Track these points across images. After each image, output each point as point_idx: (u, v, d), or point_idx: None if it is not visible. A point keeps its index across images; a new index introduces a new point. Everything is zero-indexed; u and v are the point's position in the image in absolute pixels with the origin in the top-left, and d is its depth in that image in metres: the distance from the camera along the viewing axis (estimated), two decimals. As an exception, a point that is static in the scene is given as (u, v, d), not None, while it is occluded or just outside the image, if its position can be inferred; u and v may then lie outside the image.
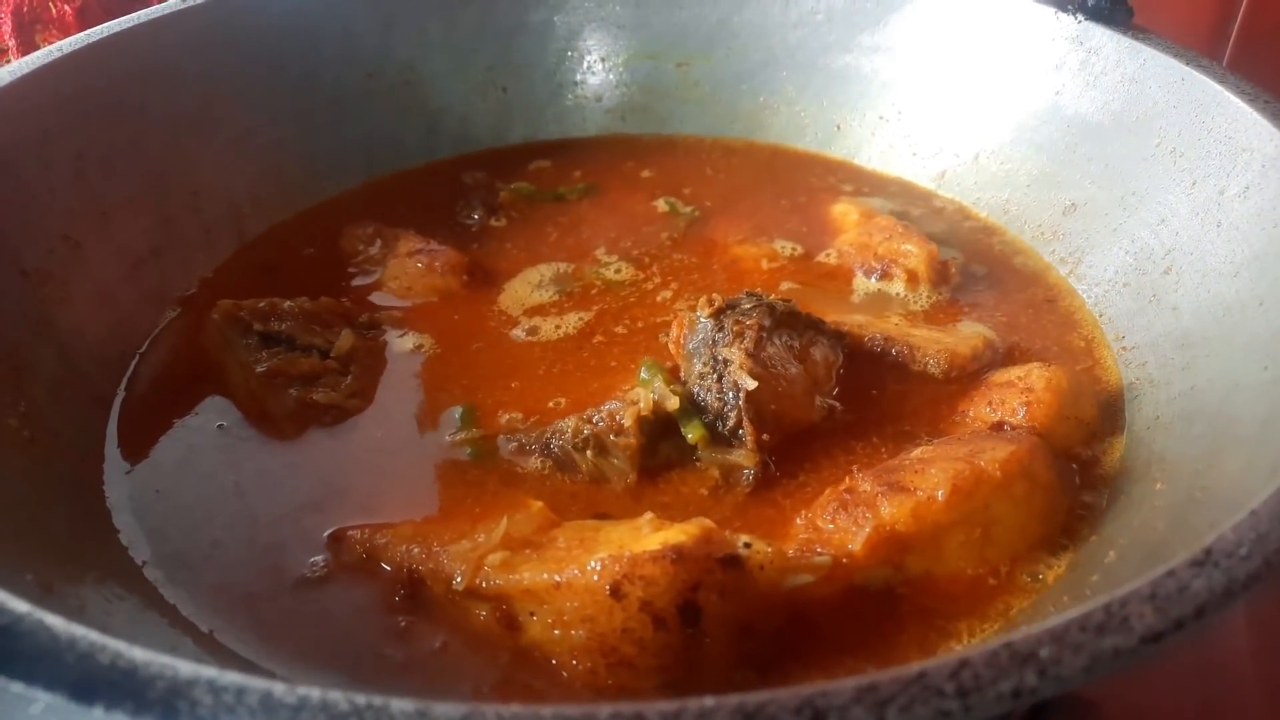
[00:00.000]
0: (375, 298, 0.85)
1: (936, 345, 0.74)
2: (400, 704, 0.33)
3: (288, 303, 0.78)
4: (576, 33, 1.11)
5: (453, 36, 1.07)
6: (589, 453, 0.66)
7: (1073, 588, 0.53)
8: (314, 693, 0.33)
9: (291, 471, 0.68)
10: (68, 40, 0.84)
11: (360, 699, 0.33)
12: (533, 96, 1.11)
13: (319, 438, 0.71)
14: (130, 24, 0.87)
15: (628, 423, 0.65)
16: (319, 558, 0.61)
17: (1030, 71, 0.91)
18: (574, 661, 0.52)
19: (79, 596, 0.49)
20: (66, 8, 1.45)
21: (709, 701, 0.31)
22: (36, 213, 0.75)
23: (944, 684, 0.31)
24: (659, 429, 0.67)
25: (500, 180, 1.03)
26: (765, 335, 0.69)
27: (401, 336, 0.80)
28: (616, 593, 0.50)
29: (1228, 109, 0.72)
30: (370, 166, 1.03)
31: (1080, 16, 0.88)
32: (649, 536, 0.54)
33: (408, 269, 0.87)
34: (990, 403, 0.67)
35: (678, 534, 0.53)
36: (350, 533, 0.62)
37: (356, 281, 0.88)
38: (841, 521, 0.57)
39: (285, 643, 0.56)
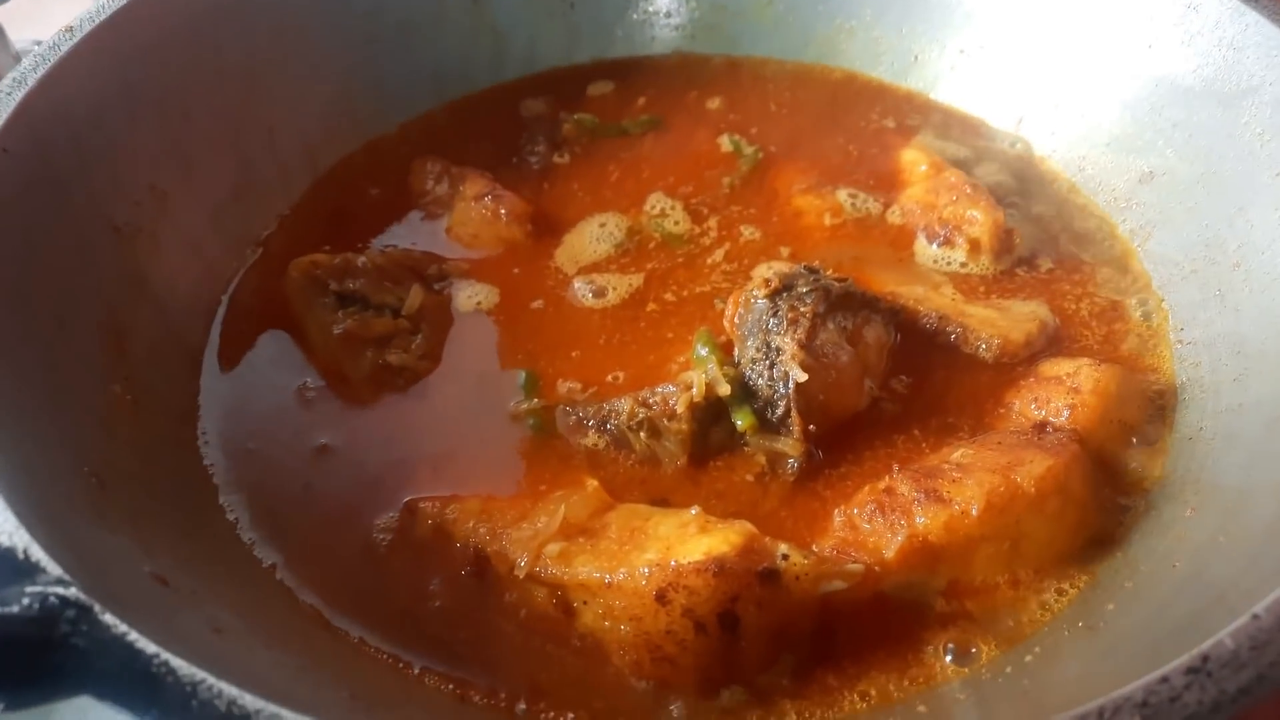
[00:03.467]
0: (442, 245, 0.88)
1: (990, 329, 0.74)
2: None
3: (360, 259, 0.81)
4: (647, -54, 1.06)
5: (520, -48, 1.04)
6: (643, 434, 0.70)
7: (1088, 614, 0.56)
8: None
9: (368, 435, 0.73)
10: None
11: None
12: (600, 13, 1.08)
13: (392, 401, 0.76)
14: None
15: (681, 409, 0.69)
16: (394, 526, 0.67)
17: (1123, 18, 0.86)
18: (621, 651, 0.58)
19: (191, 583, 0.56)
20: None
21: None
22: (124, 165, 0.78)
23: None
24: (711, 414, 0.70)
25: (565, 107, 1.02)
26: (819, 322, 0.71)
27: (467, 291, 0.83)
28: (662, 599, 0.55)
29: (1330, 96, 0.69)
30: (438, 92, 1.04)
31: (1184, -40, 0.82)
32: (694, 539, 0.58)
33: (473, 215, 0.89)
34: (1036, 399, 0.69)
35: (721, 543, 0.57)
36: (423, 504, 0.67)
37: (424, 224, 0.90)
38: (878, 525, 0.61)
39: (366, 606, 0.63)
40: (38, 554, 0.47)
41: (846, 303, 0.73)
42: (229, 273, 0.85)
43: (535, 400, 0.74)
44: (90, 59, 0.76)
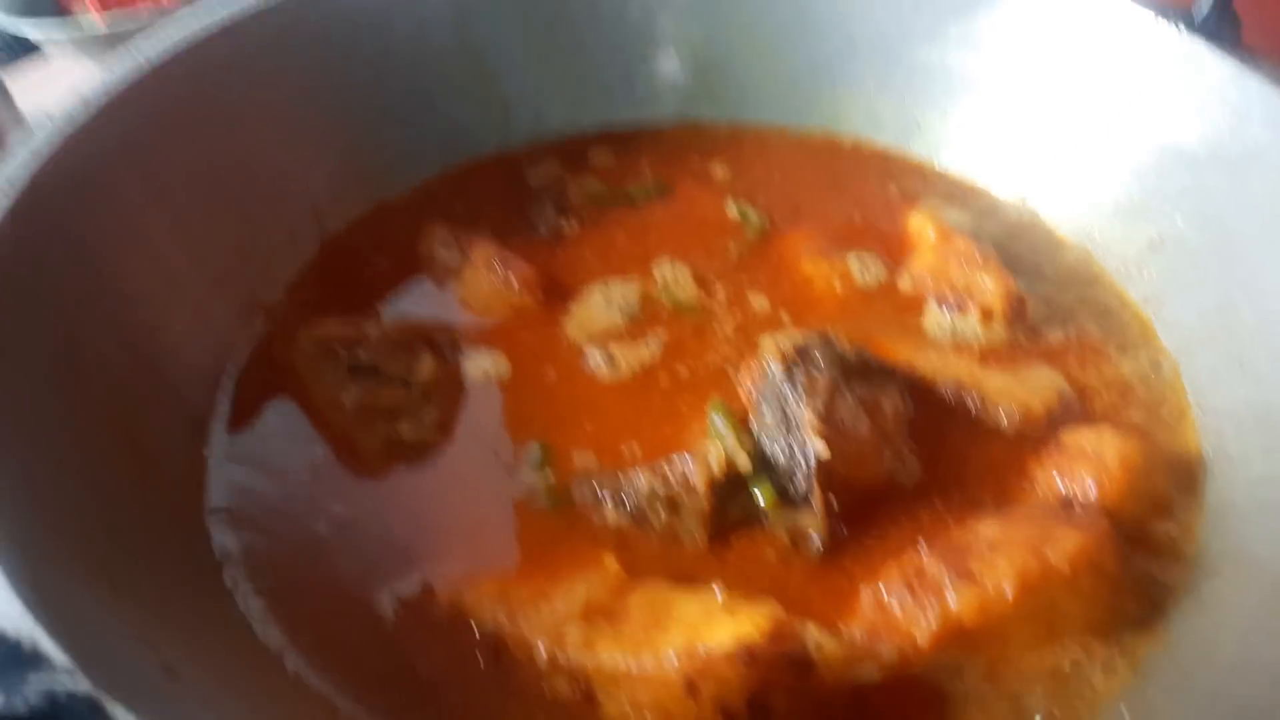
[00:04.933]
0: (452, 313, 0.87)
1: (1009, 398, 0.74)
2: None
3: (372, 330, 0.80)
4: (650, 16, 1.08)
5: (525, 23, 1.05)
6: (662, 510, 0.68)
7: (1132, 703, 0.55)
8: None
9: (380, 510, 0.71)
10: (149, 48, 0.84)
11: None
12: (605, 81, 1.09)
13: (404, 474, 0.74)
14: (210, 29, 0.87)
15: (699, 484, 0.67)
16: (408, 608, 0.65)
17: (1126, 84, 0.87)
18: (649, 742, 0.56)
19: (200, 673, 0.54)
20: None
21: None
22: (132, 233, 0.77)
23: None
24: (730, 488, 0.68)
25: (571, 173, 1.02)
26: (837, 391, 0.70)
27: (478, 361, 0.82)
28: (691, 689, 0.54)
29: (1339, 165, 0.69)
30: (444, 157, 1.04)
31: (1185, 30, 0.83)
32: (721, 623, 0.56)
33: (483, 282, 0.88)
34: (1060, 471, 0.68)
35: (750, 628, 0.55)
36: (438, 586, 0.65)
37: (434, 292, 0.89)
38: (908, 606, 0.60)
39: (380, 695, 0.61)
40: (45, 645, 0.45)
41: (862, 372, 0.73)
42: (235, 341, 0.84)
43: (549, 473, 0.73)
44: (104, 129, 0.76)
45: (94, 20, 1.31)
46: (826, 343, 0.73)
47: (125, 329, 0.74)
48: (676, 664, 0.54)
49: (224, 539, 0.70)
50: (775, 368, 0.72)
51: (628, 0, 1.08)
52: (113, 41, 1.31)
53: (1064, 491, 0.66)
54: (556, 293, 0.88)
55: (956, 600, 0.58)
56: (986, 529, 0.63)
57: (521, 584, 0.65)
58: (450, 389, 0.80)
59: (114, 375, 0.71)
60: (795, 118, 1.08)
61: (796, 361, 0.72)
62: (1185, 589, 0.61)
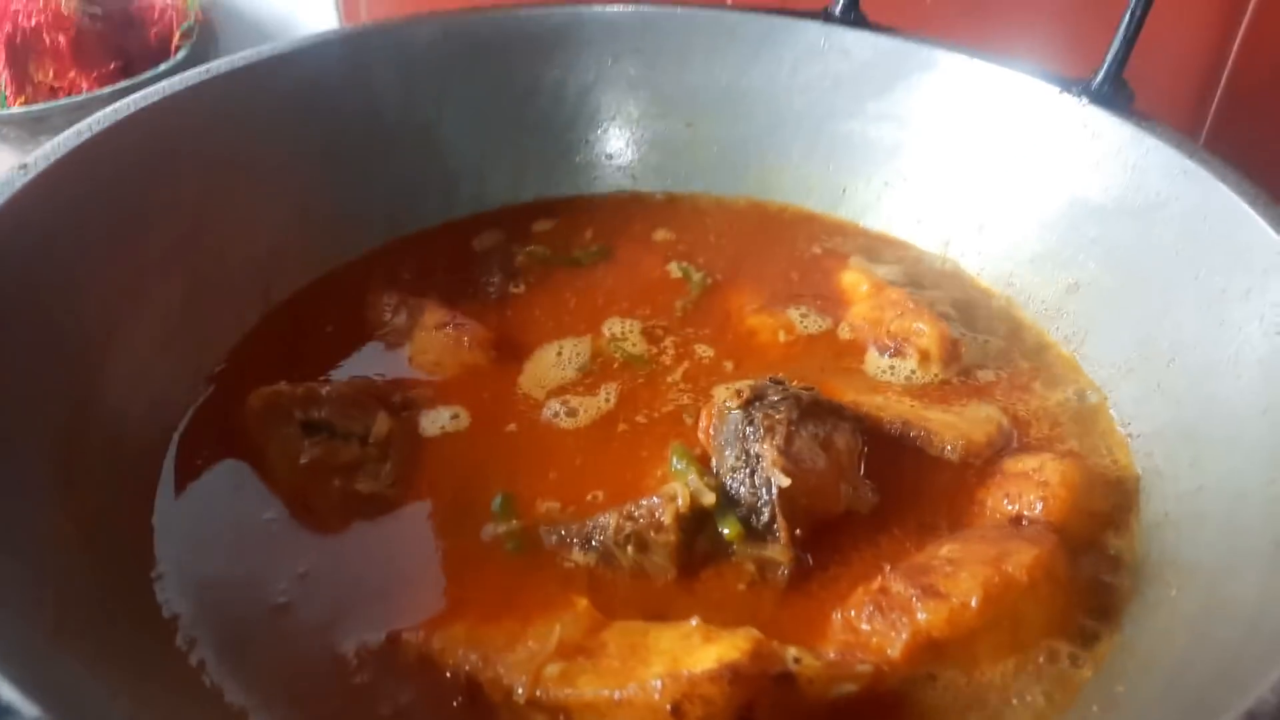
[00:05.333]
0: (404, 373, 0.87)
1: (953, 431, 0.77)
2: None
3: (325, 388, 0.80)
4: (589, 90, 1.13)
5: (469, 94, 1.08)
6: (630, 549, 0.69)
7: (1100, 698, 0.57)
8: None
9: (340, 567, 0.70)
10: (98, 117, 0.84)
11: None
12: (546, 153, 1.13)
13: (364, 529, 0.73)
14: (157, 97, 0.87)
15: (667, 520, 0.68)
16: (375, 660, 0.63)
17: (1035, 148, 0.94)
18: (636, 773, 0.55)
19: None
20: (61, 38, 1.44)
21: None
22: (75, 298, 0.76)
23: None
24: (696, 523, 0.70)
25: (515, 240, 1.05)
26: (794, 429, 0.72)
27: (435, 418, 0.82)
28: (677, 712, 0.54)
29: (1228, 207, 0.76)
30: (390, 227, 1.05)
31: (1084, 99, 0.91)
32: (701, 649, 0.57)
33: (435, 343, 0.89)
34: (1008, 495, 0.71)
35: (730, 650, 0.56)
36: (405, 635, 0.64)
37: (384, 355, 0.90)
38: (878, 625, 0.61)
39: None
40: (9, 694, 0.43)
41: (815, 411, 0.75)
42: (182, 404, 0.82)
43: (514, 521, 0.72)
44: (45, 194, 0.75)
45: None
46: (780, 385, 0.76)
47: (69, 392, 0.73)
48: (661, 689, 0.54)
49: (174, 601, 0.67)
50: (734, 410, 0.74)
51: (566, 81, 1.13)
52: (32, 129, 1.30)
53: (1013, 511, 0.69)
54: (509, 351, 0.90)
55: (925, 615, 0.60)
56: (945, 549, 0.66)
57: (492, 627, 0.64)
58: (408, 445, 0.80)
59: (59, 438, 0.69)
60: (729, 188, 1.13)
61: (754, 402, 0.74)
62: (1134, 593, 0.64)
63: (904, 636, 0.59)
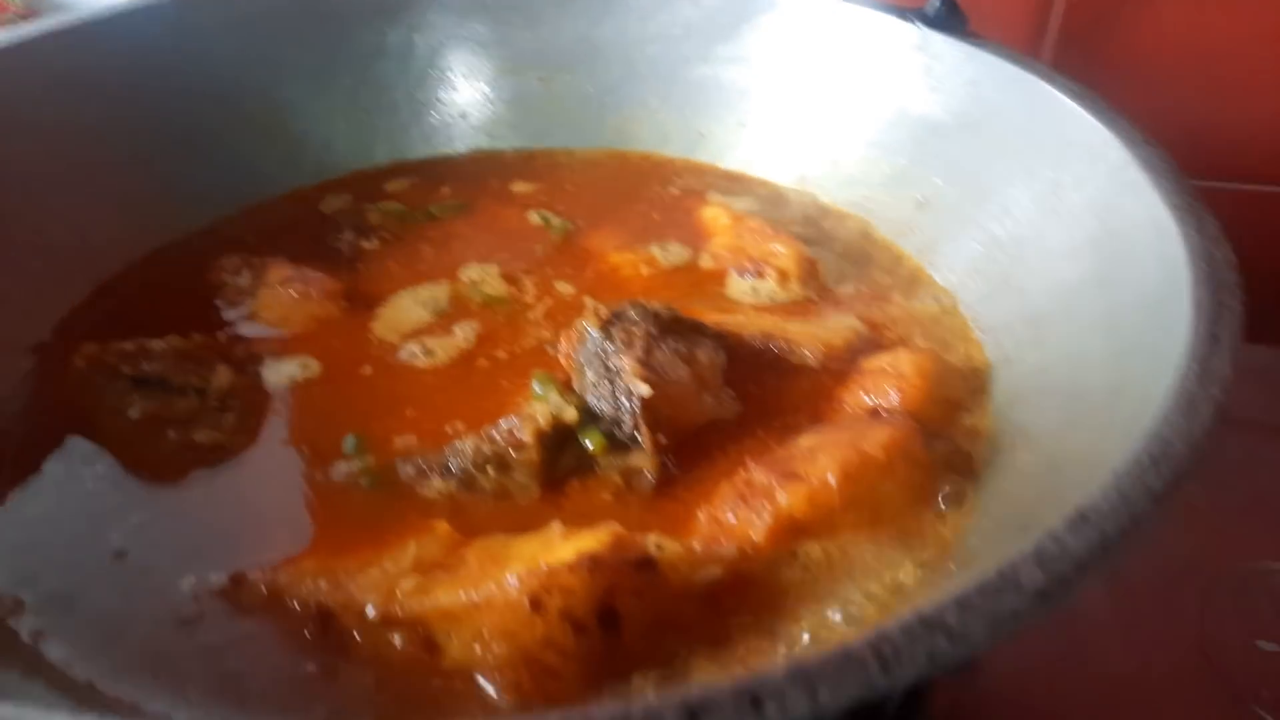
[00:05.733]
0: (249, 330, 0.83)
1: (811, 338, 0.78)
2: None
3: (157, 343, 0.75)
4: (437, 51, 1.10)
5: (310, 60, 1.05)
6: (490, 470, 0.66)
7: (958, 554, 0.57)
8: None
9: (178, 517, 0.65)
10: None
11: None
12: (396, 117, 1.10)
13: (204, 479, 0.68)
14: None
15: (527, 438, 0.66)
16: (217, 600, 0.59)
17: (878, 77, 0.97)
18: (498, 676, 0.53)
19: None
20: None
21: (653, 699, 0.33)
22: None
23: (867, 658, 0.34)
24: (558, 441, 0.68)
25: (366, 201, 1.01)
26: (653, 342, 0.71)
27: (281, 369, 0.78)
28: (536, 605, 0.51)
29: (1056, 106, 0.79)
30: (231, 197, 1.00)
31: (920, 25, 0.94)
32: (561, 546, 0.55)
33: (281, 298, 0.85)
34: (865, 389, 0.71)
35: (590, 541, 0.54)
36: (250, 574, 0.60)
37: (227, 315, 0.85)
38: (742, 513, 0.60)
39: (188, 692, 0.54)
40: None
41: (675, 328, 0.74)
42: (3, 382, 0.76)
43: (368, 458, 0.69)
44: None
45: None
46: (639, 305, 0.75)
47: None
48: (519, 585, 0.52)
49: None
50: (593, 330, 0.73)
51: (414, 41, 1.10)
52: None
53: (871, 404, 0.70)
54: (362, 302, 0.86)
55: (786, 497, 0.59)
56: (805, 440, 0.65)
57: (345, 557, 0.60)
58: (252, 396, 0.75)
59: None
60: (588, 140, 1.12)
61: (613, 322, 0.73)
62: (986, 464, 0.65)
63: (766, 520, 0.59)
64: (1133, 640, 0.78)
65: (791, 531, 0.59)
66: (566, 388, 0.72)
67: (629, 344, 0.71)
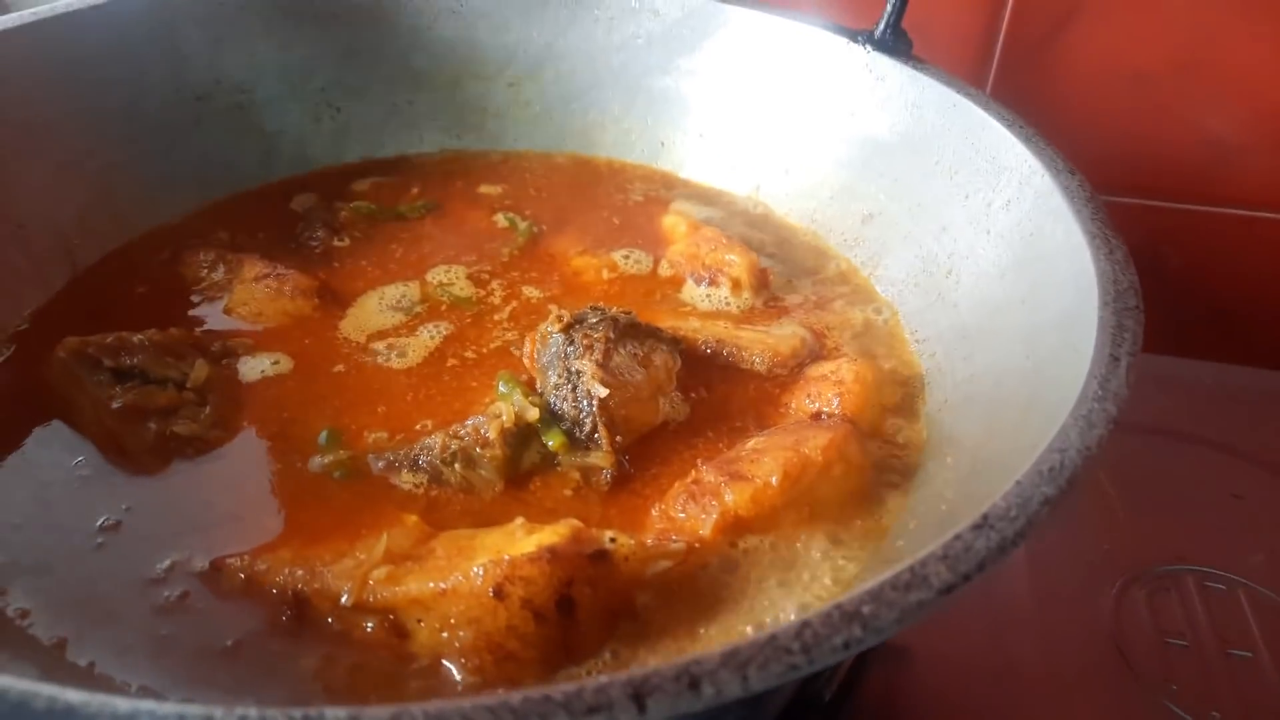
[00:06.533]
0: (224, 324, 0.86)
1: (760, 345, 0.83)
2: (334, 712, 0.37)
3: (137, 336, 0.78)
4: (408, 53, 1.13)
5: (284, 58, 1.07)
6: (457, 465, 0.70)
7: (885, 552, 0.63)
8: (251, 711, 0.37)
9: (159, 506, 0.69)
10: None
11: (296, 711, 0.37)
12: (368, 116, 1.13)
13: (184, 470, 0.72)
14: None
15: (492, 435, 0.71)
16: (198, 587, 0.63)
17: (829, 95, 1.02)
18: (463, 660, 0.57)
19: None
20: None
21: (603, 679, 0.37)
22: None
23: (791, 643, 0.39)
24: (521, 439, 0.72)
25: (336, 199, 1.05)
26: (612, 346, 0.76)
27: (256, 364, 0.81)
28: (499, 594, 0.56)
29: (991, 132, 0.85)
30: (204, 190, 1.03)
31: (868, 47, 0.99)
32: (523, 540, 0.59)
33: (256, 294, 0.88)
34: (809, 395, 0.77)
35: (550, 535, 0.59)
36: (229, 560, 0.64)
37: (202, 309, 0.88)
38: (691, 510, 0.65)
39: (170, 672, 0.58)
40: None
41: (633, 332, 0.79)
42: (-21, 367, 0.79)
43: (341, 452, 0.73)
44: None
45: None
46: (599, 310, 0.80)
47: None
48: (483, 574, 0.56)
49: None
50: (555, 333, 0.77)
51: (384, 44, 1.13)
52: None
53: (814, 409, 0.75)
54: (334, 300, 0.90)
55: (732, 496, 0.64)
56: (752, 442, 0.71)
57: (320, 547, 0.64)
58: (228, 389, 0.79)
59: None
60: (553, 144, 1.16)
61: (574, 326, 0.77)
62: (917, 468, 0.71)
63: (713, 517, 0.64)
64: (1051, 635, 0.84)
65: (736, 528, 0.64)
66: (530, 388, 0.77)
67: (589, 348, 0.75)
